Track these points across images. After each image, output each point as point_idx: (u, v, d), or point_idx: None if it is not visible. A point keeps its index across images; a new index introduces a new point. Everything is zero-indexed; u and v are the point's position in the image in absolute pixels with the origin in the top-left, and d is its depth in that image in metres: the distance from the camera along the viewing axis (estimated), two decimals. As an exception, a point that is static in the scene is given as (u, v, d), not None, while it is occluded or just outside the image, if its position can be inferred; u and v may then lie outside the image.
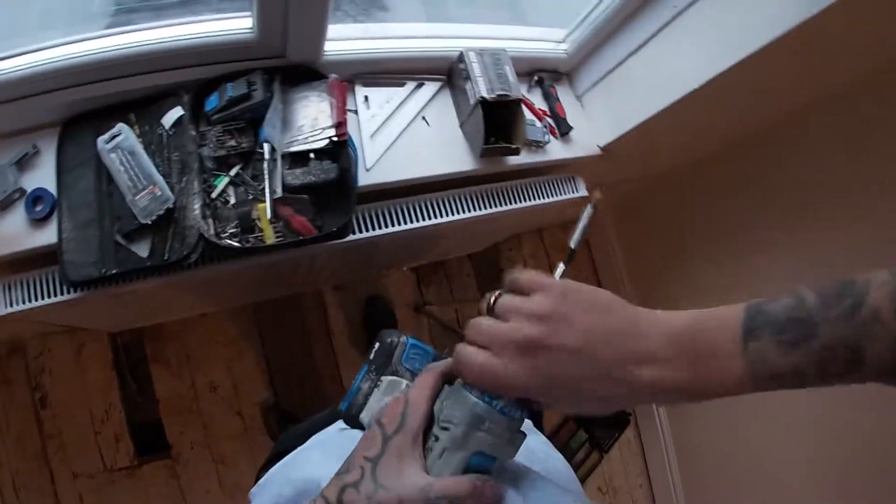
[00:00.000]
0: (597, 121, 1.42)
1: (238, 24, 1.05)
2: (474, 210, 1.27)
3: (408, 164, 1.19)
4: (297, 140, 1.09)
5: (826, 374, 0.37)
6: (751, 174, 1.66)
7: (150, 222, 1.00)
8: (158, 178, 1.02)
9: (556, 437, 2.19)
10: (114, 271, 1.00)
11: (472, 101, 1.20)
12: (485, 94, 1.18)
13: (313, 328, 1.94)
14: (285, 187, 1.06)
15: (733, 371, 0.38)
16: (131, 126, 1.06)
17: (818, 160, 1.46)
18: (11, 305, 1.03)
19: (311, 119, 1.10)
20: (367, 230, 1.17)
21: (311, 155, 1.08)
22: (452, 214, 1.25)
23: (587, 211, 0.52)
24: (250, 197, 1.07)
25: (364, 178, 1.15)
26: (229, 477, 1.77)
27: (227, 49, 1.06)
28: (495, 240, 2.03)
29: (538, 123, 1.35)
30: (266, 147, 1.07)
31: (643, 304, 0.45)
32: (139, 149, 1.03)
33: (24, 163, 1.04)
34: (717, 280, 1.84)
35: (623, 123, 1.35)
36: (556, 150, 1.36)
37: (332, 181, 1.07)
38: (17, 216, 1.02)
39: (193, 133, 1.05)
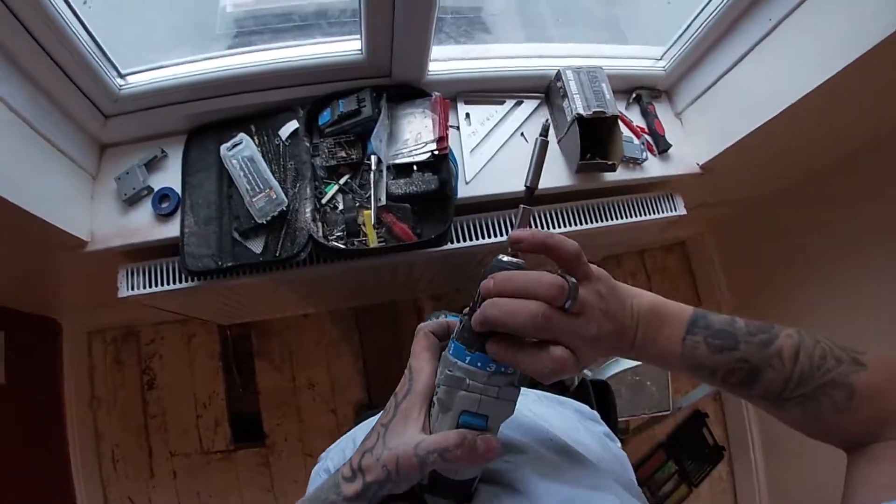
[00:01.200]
0: (696, 138, 1.39)
1: (348, 47, 1.13)
2: (569, 225, 1.28)
3: (505, 178, 1.22)
4: (402, 153, 1.14)
5: (729, 380, 0.49)
6: (856, 194, 1.56)
7: (265, 222, 1.08)
8: (274, 182, 1.10)
9: (644, 467, 2.11)
10: (229, 264, 1.08)
11: (568, 118, 1.21)
12: (581, 111, 1.19)
13: (409, 335, 1.97)
14: (389, 196, 1.11)
15: (671, 351, 0.49)
16: (251, 136, 1.15)
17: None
18: (132, 289, 1.12)
19: (415, 134, 1.15)
20: (464, 240, 1.20)
21: (415, 167, 1.13)
22: (549, 229, 1.26)
23: (538, 143, 0.50)
24: (357, 204, 1.13)
25: (463, 191, 1.19)
26: (317, 471, 1.83)
27: (338, 69, 1.14)
28: (593, 259, 2.00)
29: (636, 141, 1.34)
30: (373, 158, 1.13)
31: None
32: (258, 156, 1.12)
33: (152, 164, 1.16)
34: (816, 305, 1.74)
35: (722, 141, 1.32)
36: (654, 168, 1.35)
37: (433, 192, 1.11)
38: (145, 211, 1.13)
39: (307, 144, 1.13)
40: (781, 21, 1.14)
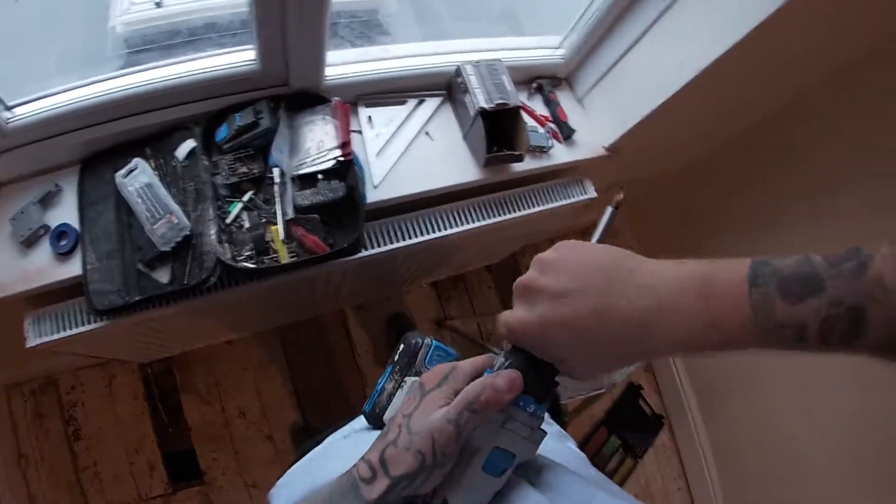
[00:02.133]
0: (600, 122, 1.43)
1: (242, 57, 1.10)
2: (484, 219, 1.30)
3: (414, 178, 1.22)
4: (306, 163, 1.13)
5: (829, 335, 0.37)
6: (762, 163, 1.65)
7: (169, 249, 1.04)
8: (175, 206, 1.06)
9: (588, 446, 2.17)
10: (137, 298, 1.04)
11: (472, 113, 1.23)
12: (484, 105, 1.21)
13: (338, 349, 1.97)
14: (296, 208, 1.09)
15: (738, 317, 0.38)
16: (147, 160, 1.11)
17: (834, 137, 1.46)
18: (41, 337, 1.07)
19: (317, 142, 1.14)
20: (380, 245, 1.20)
21: (320, 176, 1.12)
22: (462, 224, 1.27)
23: (608, 212, 0.52)
24: (263, 220, 1.10)
25: (372, 195, 1.18)
26: (262, 500, 1.78)
27: (233, 81, 1.11)
28: (512, 249, 2.04)
29: (541, 130, 1.37)
30: (276, 171, 1.11)
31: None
32: (155, 180, 1.08)
33: (47, 201, 1.10)
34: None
35: (625, 121, 1.36)
36: (561, 154, 1.38)
37: (341, 199, 1.10)
38: (43, 251, 1.07)
39: (206, 163, 1.10)
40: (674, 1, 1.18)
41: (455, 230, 1.26)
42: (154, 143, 1.13)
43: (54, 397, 1.70)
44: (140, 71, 1.12)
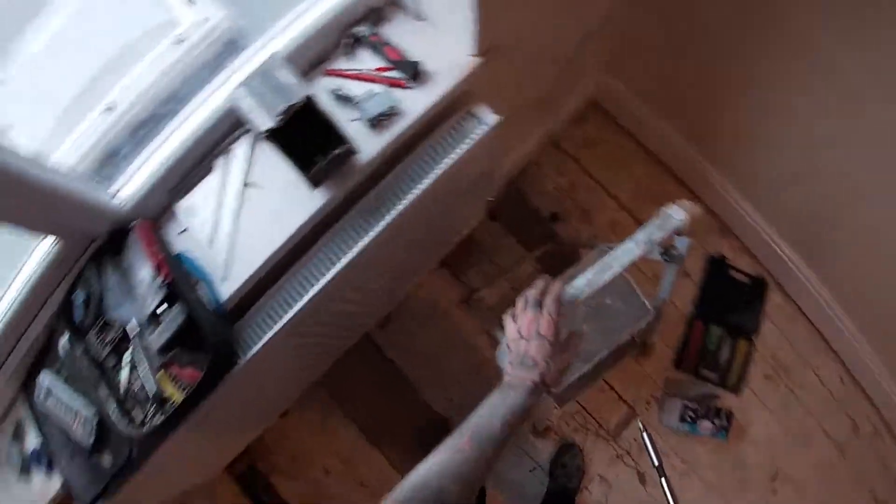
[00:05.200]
0: (452, 26, 1.07)
1: (42, 248, 1.07)
2: (363, 235, 1.08)
3: (259, 245, 1.06)
4: (147, 302, 1.05)
5: None
6: None
7: (91, 444, 1.09)
8: (76, 405, 1.10)
9: (687, 350, 1.78)
10: (102, 485, 1.11)
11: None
12: (267, 125, 0.97)
13: (381, 372, 1.92)
14: (157, 352, 1.03)
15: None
16: (53, 365, 1.16)
17: None
18: None
19: (144, 276, 1.05)
20: (264, 332, 1.07)
21: (159, 311, 1.03)
22: (344, 254, 1.07)
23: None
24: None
25: (226, 289, 1.06)
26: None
27: (52, 270, 1.08)
28: (487, 195, 1.68)
29: (377, 89, 1.08)
30: (129, 327, 1.06)
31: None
32: (58, 387, 1.13)
33: (18, 434, 1.23)
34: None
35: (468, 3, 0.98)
36: (417, 102, 1.07)
37: (185, 324, 1.01)
38: (36, 473, 1.20)
39: (79, 351, 1.10)
40: None
41: (341, 264, 1.07)
42: (48, 350, 1.17)
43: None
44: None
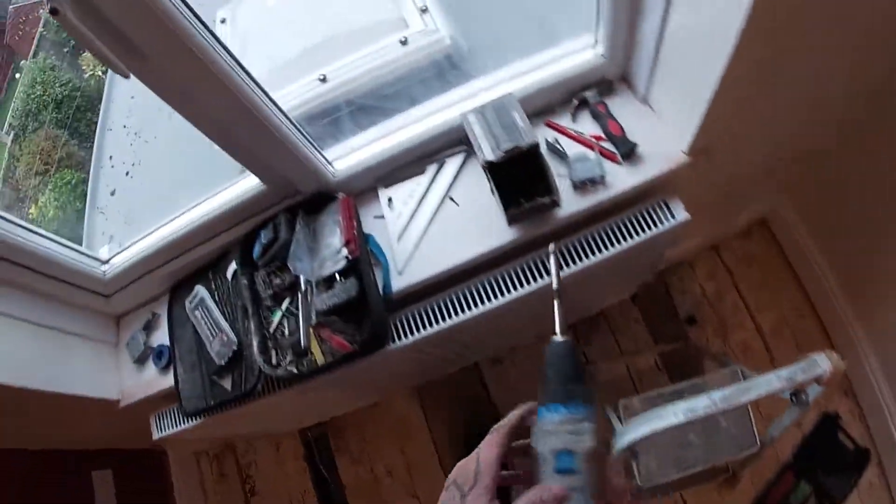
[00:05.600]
0: (671, 119, 1.14)
1: (249, 184, 1.17)
2: (522, 286, 1.15)
3: (436, 257, 1.15)
4: (326, 265, 1.15)
5: None
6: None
7: (223, 363, 1.18)
8: (224, 324, 1.20)
9: (769, 496, 1.76)
10: (212, 403, 1.21)
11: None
12: (489, 157, 1.06)
13: (475, 400, 1.97)
14: (317, 313, 1.12)
15: None
16: (209, 283, 1.27)
17: None
18: (160, 432, 1.31)
19: (333, 242, 1.14)
20: (409, 335, 1.16)
21: (337, 276, 1.12)
22: (513, 291, 1.14)
23: None
24: (299, 326, 1.16)
25: (398, 282, 1.15)
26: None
27: (249, 205, 1.20)
28: (642, 279, 1.74)
29: (591, 155, 1.15)
30: (301, 279, 1.15)
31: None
32: (210, 303, 1.24)
33: (150, 325, 1.34)
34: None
35: (697, 105, 1.00)
36: (623, 179, 1.14)
37: (355, 298, 1.09)
38: (150, 367, 1.31)
39: (245, 280, 1.20)
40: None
41: (497, 302, 1.14)
42: (214, 269, 1.29)
43: (233, 459, 2.06)
44: (188, 211, 1.27)
